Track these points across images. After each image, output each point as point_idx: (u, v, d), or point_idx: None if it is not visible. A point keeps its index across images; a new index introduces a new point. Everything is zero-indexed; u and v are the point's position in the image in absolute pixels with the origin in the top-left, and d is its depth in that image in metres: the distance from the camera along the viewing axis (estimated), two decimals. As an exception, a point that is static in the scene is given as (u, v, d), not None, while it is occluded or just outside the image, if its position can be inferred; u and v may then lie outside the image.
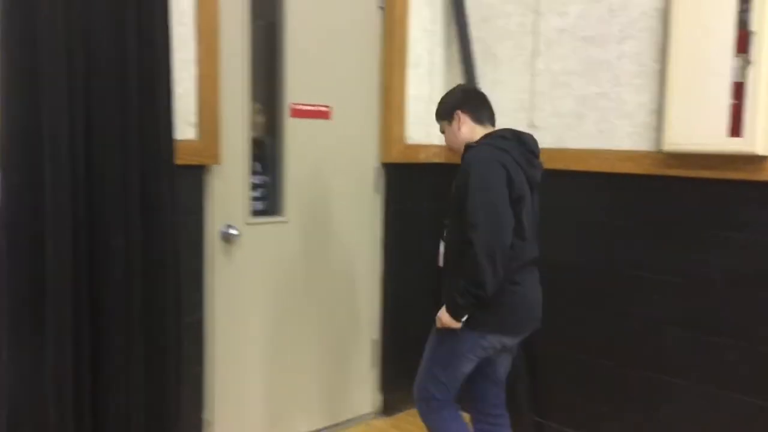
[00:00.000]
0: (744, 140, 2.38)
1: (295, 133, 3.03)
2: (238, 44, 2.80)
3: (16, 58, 1.86)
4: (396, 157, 3.34)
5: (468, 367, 2.37)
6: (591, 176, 2.93)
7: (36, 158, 1.87)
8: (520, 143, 2.36)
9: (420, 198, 3.51)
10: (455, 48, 3.45)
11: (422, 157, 3.48)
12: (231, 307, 2.89)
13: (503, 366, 2.55)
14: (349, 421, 3.41)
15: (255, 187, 3.02)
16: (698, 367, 2.66)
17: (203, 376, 2.79)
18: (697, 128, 2.51)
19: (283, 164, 3.03)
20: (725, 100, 2.42)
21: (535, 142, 2.43)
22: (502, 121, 3.24)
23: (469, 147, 2.35)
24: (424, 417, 2.46)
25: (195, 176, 2.69)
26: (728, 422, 2.59)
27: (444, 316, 2.30)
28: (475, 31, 3.37)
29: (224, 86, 2.74)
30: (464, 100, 2.47)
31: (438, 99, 3.45)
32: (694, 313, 2.66)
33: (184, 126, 2.62)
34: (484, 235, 2.14)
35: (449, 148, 2.54)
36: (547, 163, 3.06)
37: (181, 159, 2.56)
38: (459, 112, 2.42)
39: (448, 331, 2.31)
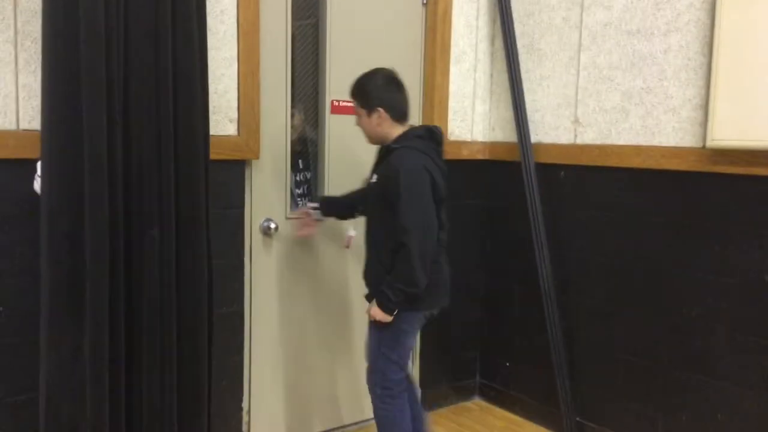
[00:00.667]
0: (792, 136, 2.28)
1: (336, 130, 3.06)
2: (280, 42, 2.85)
3: (58, 54, 1.95)
4: (438, 153, 3.33)
5: (411, 340, 2.61)
6: (636, 173, 2.87)
7: (75, 150, 1.96)
8: (432, 140, 2.51)
9: (462, 195, 3.50)
10: (499, 43, 3.42)
11: (465, 154, 3.47)
12: (270, 299, 2.95)
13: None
14: (388, 416, 3.43)
15: (298, 184, 3.07)
16: (747, 370, 2.57)
17: (242, 366, 2.86)
18: (744, 123, 2.42)
19: (324, 160, 3.07)
20: (773, 94, 2.33)
21: (441, 133, 2.57)
22: (547, 120, 3.24)
23: (391, 149, 2.45)
24: (379, 403, 2.57)
25: (236, 171, 2.76)
26: (776, 430, 2.50)
27: (377, 313, 2.46)
28: (520, 25, 3.33)
29: (266, 83, 2.79)
30: (387, 95, 2.46)
31: (482, 95, 3.49)
32: (743, 313, 2.57)
33: (225, 122, 2.69)
34: (418, 241, 2.34)
35: (363, 132, 2.56)
36: (592, 161, 3.03)
37: (222, 154, 2.64)
38: (381, 109, 2.45)
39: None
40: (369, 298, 2.57)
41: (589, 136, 3.06)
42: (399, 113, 2.49)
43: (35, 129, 2.18)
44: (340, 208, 2.85)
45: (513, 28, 3.33)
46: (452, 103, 3.39)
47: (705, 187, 2.65)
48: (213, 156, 2.52)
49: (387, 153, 2.48)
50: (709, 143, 2.54)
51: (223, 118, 2.67)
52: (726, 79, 2.47)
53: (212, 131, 2.57)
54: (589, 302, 3.10)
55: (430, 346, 3.49)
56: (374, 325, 2.53)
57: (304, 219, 2.88)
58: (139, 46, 2.04)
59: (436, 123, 3.31)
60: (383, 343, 2.54)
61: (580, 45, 3.08)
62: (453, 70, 3.37)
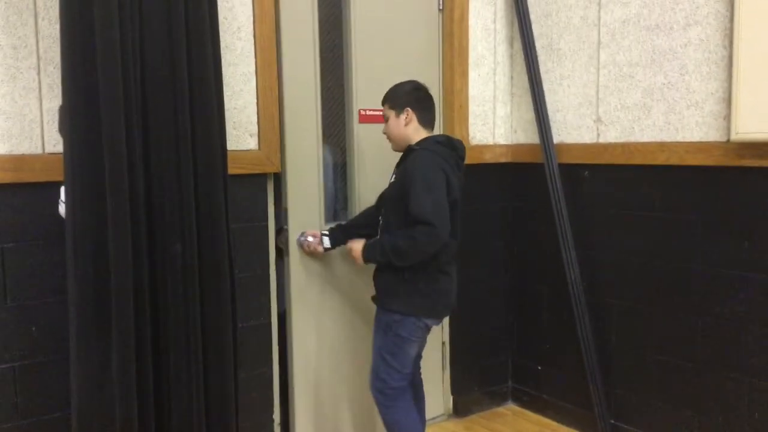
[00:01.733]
0: (818, 125, 2.23)
1: (364, 138, 3.07)
2: (307, 56, 2.87)
3: (76, 74, 1.99)
4: (460, 158, 3.32)
5: (413, 348, 2.60)
6: (660, 170, 2.82)
7: (97, 168, 2.00)
8: (452, 149, 2.58)
9: (486, 199, 3.48)
10: (518, 45, 3.41)
11: (488, 158, 3.45)
12: (302, 311, 2.97)
13: (424, 343, 2.75)
14: (420, 423, 3.42)
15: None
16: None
17: (272, 378, 2.88)
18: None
19: (353, 169, 3.08)
20: (797, 84, 2.28)
21: (463, 147, 2.64)
22: (569, 120, 3.21)
23: (411, 149, 2.55)
24: (381, 407, 2.63)
25: (258, 184, 2.78)
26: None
27: (356, 252, 2.60)
28: (538, 26, 3.31)
29: (292, 96, 2.82)
30: (417, 99, 2.60)
31: (503, 98, 3.48)
32: (775, 311, 2.52)
33: (246, 137, 2.72)
34: (433, 229, 2.36)
35: (388, 136, 2.66)
36: (615, 159, 3.00)
37: (243, 168, 2.68)
38: (410, 109, 2.56)
39: (390, 322, 2.55)
40: (377, 301, 2.63)
41: (611, 135, 3.02)
42: (425, 118, 2.61)
43: (60, 152, 2.23)
44: (350, 234, 2.83)
45: (531, 29, 3.31)
46: (473, 108, 3.38)
47: (732, 181, 2.59)
48: (234, 170, 2.56)
49: (407, 153, 2.58)
50: (734, 137, 2.49)
51: (243, 133, 2.71)
52: (748, 71, 2.42)
53: (233, 146, 2.63)
54: (618, 302, 3.05)
55: (461, 352, 3.47)
56: (379, 329, 2.60)
57: (310, 248, 2.87)
58: (155, 63, 2.08)
59: (457, 128, 3.32)
60: (384, 348, 2.58)
61: (599, 43, 3.05)
62: (472, 74, 3.36)
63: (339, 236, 2.84)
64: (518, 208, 3.51)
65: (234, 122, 2.66)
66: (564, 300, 3.17)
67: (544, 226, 3.27)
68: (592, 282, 3.13)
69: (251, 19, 2.69)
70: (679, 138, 2.75)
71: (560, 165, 3.19)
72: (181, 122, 2.11)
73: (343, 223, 2.93)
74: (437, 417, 3.46)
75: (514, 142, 3.51)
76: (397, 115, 2.58)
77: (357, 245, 2.61)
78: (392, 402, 2.60)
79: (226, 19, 2.61)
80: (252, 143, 2.74)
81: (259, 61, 2.71)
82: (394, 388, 2.58)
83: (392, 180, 2.62)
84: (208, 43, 2.15)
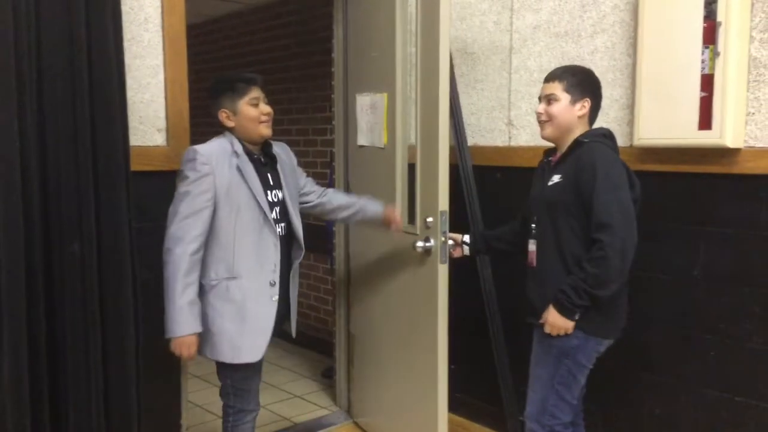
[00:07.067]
0: (713, 133, 2.33)
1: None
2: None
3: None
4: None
5: (585, 377, 2.32)
6: (568, 173, 2.89)
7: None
8: (614, 143, 2.39)
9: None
10: (433, 47, 3.42)
11: (403, 158, 3.45)
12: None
13: None
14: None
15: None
16: (681, 364, 2.62)
17: (179, 383, 2.79)
18: (668, 122, 2.47)
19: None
20: (695, 93, 2.38)
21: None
22: (482, 123, 3.25)
23: (578, 143, 2.29)
24: None
25: (167, 182, 2.68)
26: (712, 420, 2.54)
27: (557, 320, 2.21)
28: (453, 30, 3.33)
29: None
30: (599, 92, 2.39)
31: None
32: (675, 309, 2.62)
33: (153, 132, 2.62)
34: (620, 235, 2.13)
35: (551, 118, 2.34)
36: (525, 162, 3.05)
37: (150, 165, 2.58)
38: (590, 100, 2.34)
39: (568, 348, 2.25)
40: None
41: (522, 138, 3.09)
42: (595, 114, 2.39)
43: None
44: (497, 243, 2.74)
45: (446, 32, 3.34)
46: (388, 108, 3.37)
47: (635, 185, 2.69)
48: (141, 167, 2.47)
49: (574, 148, 2.30)
50: (636, 142, 2.59)
51: (150, 128, 2.61)
52: (650, 79, 2.52)
53: (139, 142, 2.53)
54: (528, 303, 3.11)
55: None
56: (547, 354, 2.29)
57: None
58: (52, 54, 1.98)
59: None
60: (559, 379, 2.27)
61: (511, 48, 3.11)
62: (388, 75, 3.35)
63: (481, 245, 2.78)
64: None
65: (140, 116, 2.56)
66: (476, 300, 3.21)
67: (457, 227, 3.29)
68: (504, 282, 3.18)
69: (159, 10, 2.59)
70: (587, 142, 2.83)
71: (474, 167, 3.23)
72: (80, 116, 2.01)
73: (483, 230, 2.80)
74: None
75: (429, 143, 3.52)
76: (573, 101, 2.30)
77: (551, 316, 2.23)
78: None
79: (132, 9, 2.50)
80: (159, 139, 2.64)
81: (167, 54, 2.62)
82: (564, 425, 2.29)
83: (554, 182, 2.30)
84: (110, 34, 2.06)
